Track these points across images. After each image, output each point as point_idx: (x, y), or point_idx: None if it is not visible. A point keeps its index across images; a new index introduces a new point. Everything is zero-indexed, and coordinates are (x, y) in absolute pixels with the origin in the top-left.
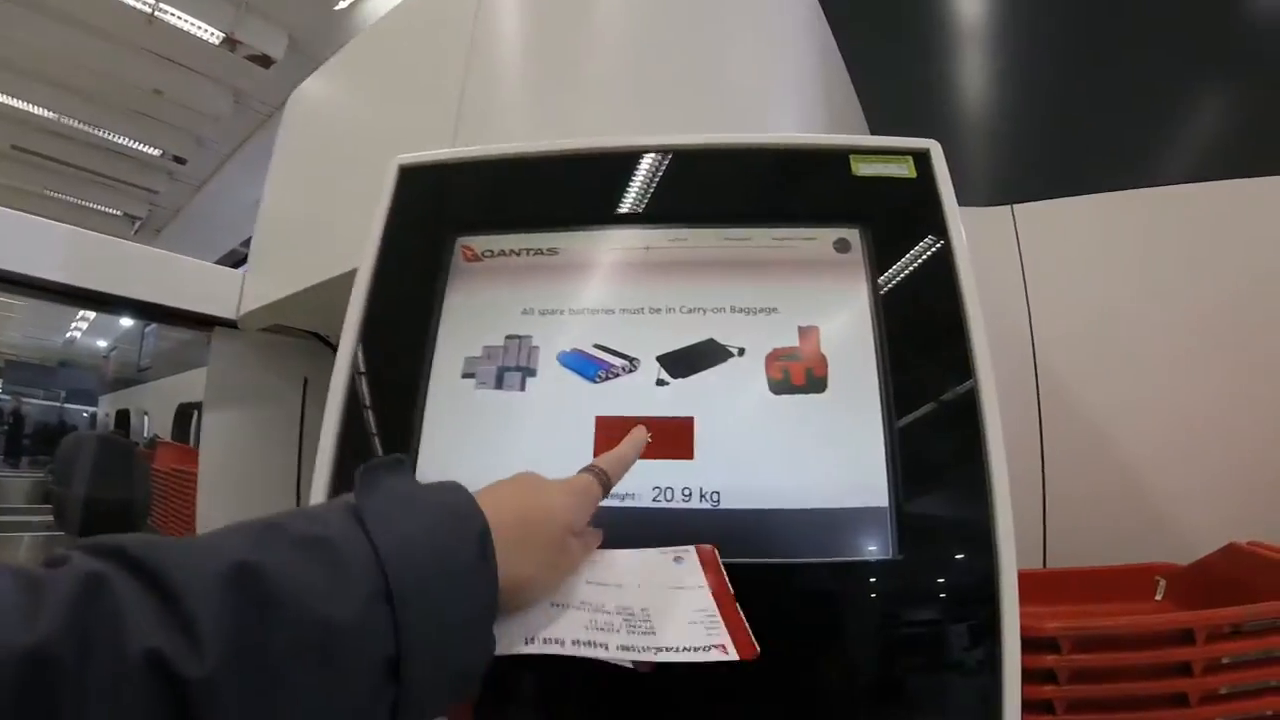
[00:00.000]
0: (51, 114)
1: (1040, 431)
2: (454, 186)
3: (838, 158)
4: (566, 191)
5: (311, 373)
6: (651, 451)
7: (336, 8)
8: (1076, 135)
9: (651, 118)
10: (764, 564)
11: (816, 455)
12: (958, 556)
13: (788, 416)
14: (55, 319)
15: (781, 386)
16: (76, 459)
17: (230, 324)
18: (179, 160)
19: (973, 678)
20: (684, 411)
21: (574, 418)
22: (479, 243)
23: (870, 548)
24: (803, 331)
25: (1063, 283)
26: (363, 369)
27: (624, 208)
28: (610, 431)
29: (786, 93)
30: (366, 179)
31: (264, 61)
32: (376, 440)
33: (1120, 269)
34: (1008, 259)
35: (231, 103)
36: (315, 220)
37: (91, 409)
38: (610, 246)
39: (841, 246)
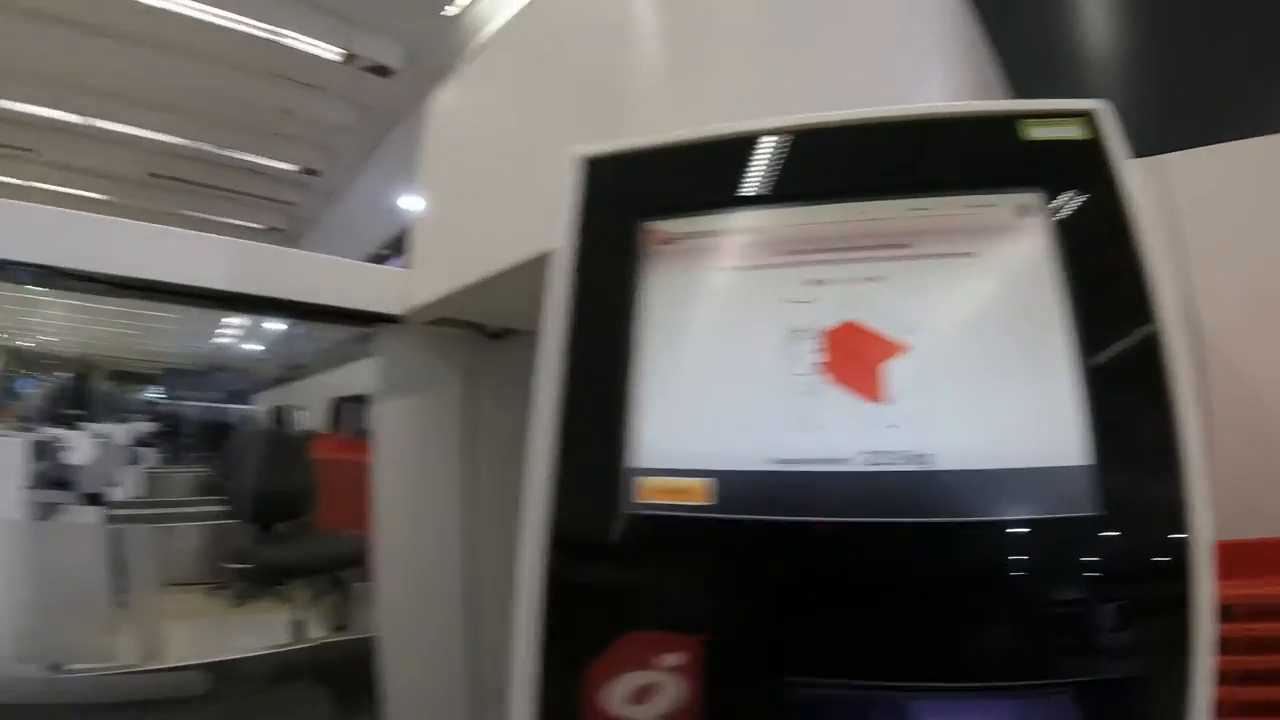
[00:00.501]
0: (185, 141)
1: (1203, 398)
2: (637, 173)
3: (1010, 123)
4: (749, 171)
5: (473, 361)
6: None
7: (445, 13)
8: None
9: (798, 94)
10: (971, 523)
11: (1013, 413)
12: (1154, 515)
13: (988, 373)
14: (205, 326)
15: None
16: (249, 452)
17: (395, 320)
18: (311, 172)
19: (1163, 643)
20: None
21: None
22: (668, 227)
23: (1072, 507)
24: (992, 290)
25: (1222, 233)
26: (569, 356)
27: (805, 184)
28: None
29: (933, 60)
30: (518, 175)
31: (382, 72)
32: (590, 418)
33: None
34: (1162, 211)
35: (356, 114)
36: (473, 218)
37: (247, 408)
38: (798, 221)
39: (1022, 211)
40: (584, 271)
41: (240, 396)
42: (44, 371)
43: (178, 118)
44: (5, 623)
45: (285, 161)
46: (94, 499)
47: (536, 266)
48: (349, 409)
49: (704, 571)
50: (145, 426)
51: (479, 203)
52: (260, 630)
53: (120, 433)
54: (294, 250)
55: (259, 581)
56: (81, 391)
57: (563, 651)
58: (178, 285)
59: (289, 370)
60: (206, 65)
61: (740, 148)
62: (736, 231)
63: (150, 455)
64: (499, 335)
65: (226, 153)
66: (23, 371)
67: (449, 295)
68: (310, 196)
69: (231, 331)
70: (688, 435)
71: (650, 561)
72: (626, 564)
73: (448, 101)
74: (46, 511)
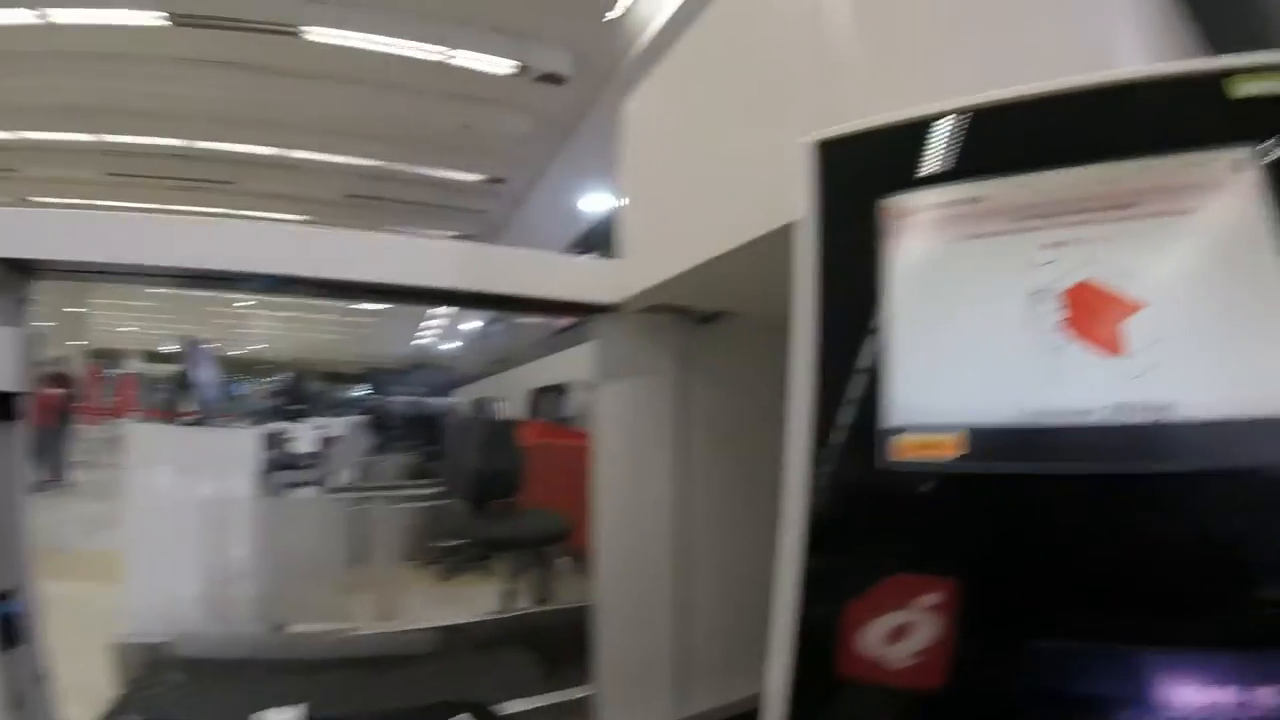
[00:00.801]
0: (378, 163)
1: None
2: (870, 153)
3: (1219, 80)
4: (978, 143)
5: (684, 344)
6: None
7: (607, 19)
8: None
9: (992, 67)
10: (1215, 471)
11: (1252, 362)
12: None
13: (1222, 323)
14: (406, 328)
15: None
16: (466, 437)
17: (610, 309)
18: (497, 181)
19: None
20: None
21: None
22: (905, 201)
23: None
24: (1214, 244)
25: None
26: (822, 327)
27: (1030, 152)
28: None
29: (1127, 22)
30: (722, 167)
31: (554, 80)
32: (845, 383)
33: None
34: None
35: (534, 122)
36: (681, 210)
37: (448, 400)
38: (1028, 188)
39: (1236, 166)
40: (829, 249)
41: (440, 391)
42: (256, 376)
43: (368, 142)
44: (248, 588)
45: (471, 173)
46: (318, 482)
47: (745, 252)
48: (546, 398)
49: (957, 519)
50: (356, 419)
51: (686, 195)
52: (471, 601)
53: (336, 425)
54: (516, 249)
55: (473, 556)
56: (299, 390)
57: (823, 595)
58: (414, 287)
59: (486, 366)
60: (390, 93)
61: (968, 121)
62: (970, 201)
63: (362, 444)
64: (708, 319)
65: (416, 169)
66: (238, 376)
67: (661, 283)
68: (498, 203)
69: (430, 332)
70: (939, 394)
71: (908, 511)
72: (886, 514)
73: (642, 102)
74: (279, 492)
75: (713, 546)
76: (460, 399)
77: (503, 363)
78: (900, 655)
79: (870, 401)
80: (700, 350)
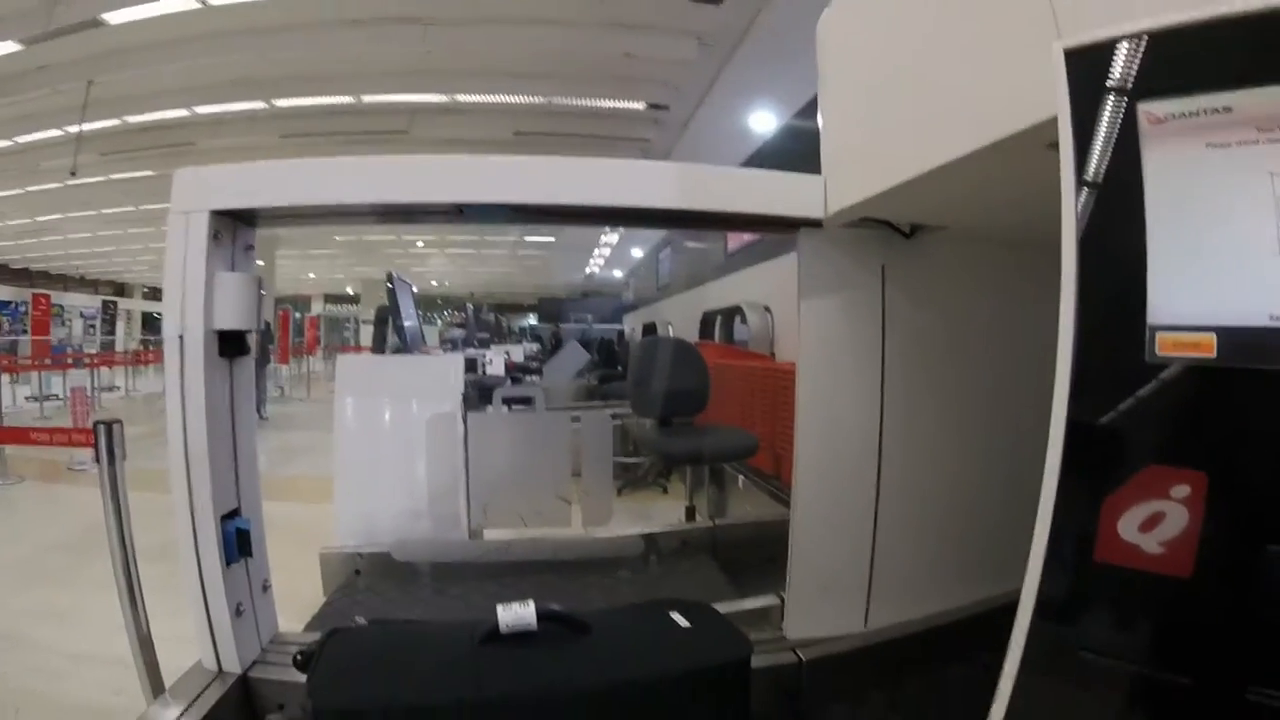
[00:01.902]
0: (542, 99)
1: None
2: (1125, 60)
3: None
4: (1235, 52)
5: (888, 258)
6: None
7: None
8: None
9: None
10: None
11: None
12: None
13: None
14: (577, 260)
15: None
16: (652, 358)
17: (816, 224)
18: (660, 108)
19: None
20: None
21: None
22: (1161, 108)
23: None
24: None
25: None
26: (1086, 231)
27: None
28: None
29: None
30: (932, 82)
31: (713, 0)
32: (1110, 283)
33: None
34: None
35: (695, 45)
36: (887, 126)
37: (618, 327)
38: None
39: None
40: (1088, 156)
41: (612, 317)
42: (438, 310)
43: (533, 80)
44: (458, 499)
45: (635, 101)
46: (512, 402)
47: (961, 165)
48: (718, 321)
49: (1212, 415)
50: (534, 347)
51: (895, 108)
52: (648, 517)
53: (517, 352)
54: (724, 167)
55: (651, 473)
56: (480, 320)
57: (1085, 482)
58: (624, 208)
59: (658, 290)
60: (550, 29)
61: (1226, 29)
62: (1221, 111)
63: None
64: (911, 233)
65: (581, 102)
66: (423, 313)
67: (869, 199)
68: (662, 131)
69: (598, 262)
70: (1194, 297)
71: (1166, 405)
72: (1145, 407)
73: (838, 18)
74: (483, 410)
75: (911, 465)
76: (631, 324)
77: (670, 288)
78: (1152, 543)
79: (1132, 300)
80: (904, 264)
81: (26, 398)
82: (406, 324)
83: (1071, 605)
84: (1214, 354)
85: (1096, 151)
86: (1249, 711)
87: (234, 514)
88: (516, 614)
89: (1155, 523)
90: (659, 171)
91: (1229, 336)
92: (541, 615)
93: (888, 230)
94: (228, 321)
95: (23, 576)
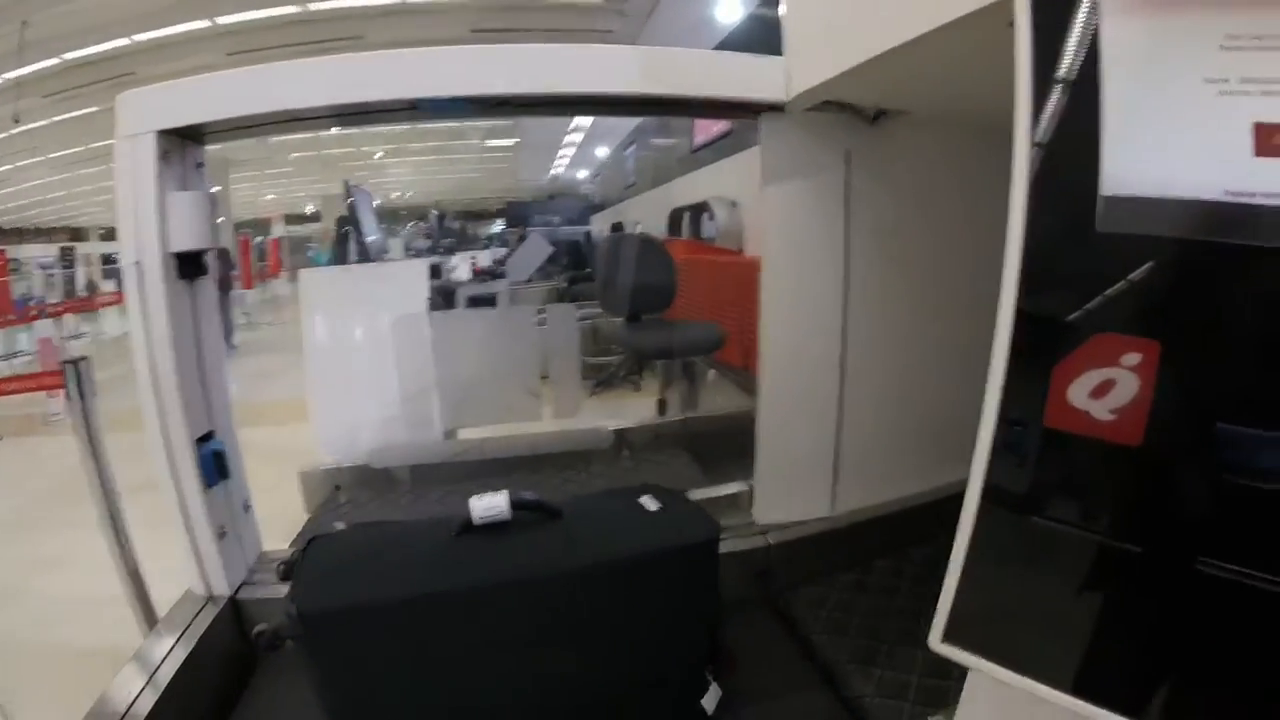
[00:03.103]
0: None
1: None
2: None
3: None
4: None
5: (852, 144)
6: None
7: None
8: None
9: None
10: None
11: None
12: None
13: None
14: (542, 161)
15: None
16: (619, 255)
17: (778, 108)
18: None
19: None
20: None
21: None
22: None
23: None
24: None
25: None
26: (1038, 97)
27: None
28: None
29: None
30: None
31: None
32: (1063, 151)
33: None
34: None
35: None
36: (847, 6)
37: (585, 228)
38: None
39: None
40: (1044, 30)
41: (579, 219)
42: (401, 222)
43: None
44: (433, 399)
45: None
46: (478, 302)
47: (922, 44)
48: (686, 217)
49: (1164, 285)
50: (500, 252)
51: None
52: (621, 413)
53: (484, 257)
54: (683, 49)
55: (623, 371)
56: (445, 228)
57: (1034, 352)
58: (587, 95)
59: (625, 189)
60: None
61: None
62: None
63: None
64: (876, 118)
65: None
66: (386, 225)
67: (831, 79)
68: (625, 23)
69: (563, 163)
70: (1148, 168)
71: (1118, 273)
72: (1097, 276)
73: None
74: (449, 312)
75: (875, 352)
76: (599, 225)
77: (637, 187)
78: (1102, 410)
79: (1084, 173)
80: (868, 151)
81: None
82: (367, 234)
83: (1021, 470)
84: (1171, 223)
85: (1052, 25)
86: (1197, 580)
87: (208, 437)
88: (489, 504)
89: (1106, 390)
90: (616, 56)
91: (1184, 209)
92: (514, 504)
93: (852, 115)
94: (184, 243)
95: (10, 529)
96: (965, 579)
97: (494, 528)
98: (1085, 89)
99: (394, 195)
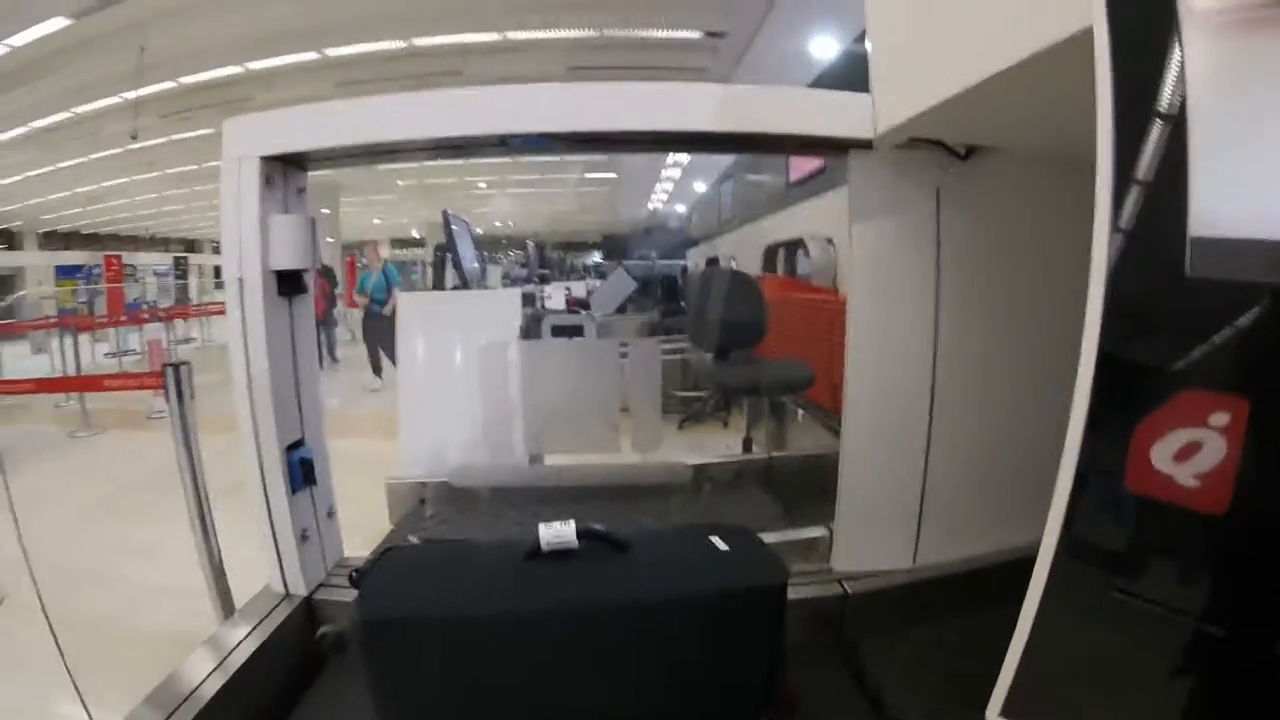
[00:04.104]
0: (594, 32)
1: None
2: None
3: None
4: None
5: (943, 181)
6: None
7: None
8: None
9: None
10: None
11: None
12: None
13: None
14: (639, 196)
15: None
16: (709, 289)
17: (866, 145)
18: (717, 35)
19: None
20: None
21: None
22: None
23: None
24: None
25: None
26: (1122, 133)
27: None
28: None
29: None
30: None
31: None
32: (1149, 190)
33: None
34: None
35: None
36: (937, 35)
37: (681, 262)
38: None
39: None
40: (1123, 52)
41: (675, 252)
42: (502, 250)
43: (585, 12)
44: (516, 424)
45: (690, 30)
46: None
47: (1007, 79)
48: (781, 254)
49: (1258, 338)
50: (595, 283)
51: (942, 18)
52: (705, 448)
53: (579, 288)
54: (768, 86)
55: (711, 406)
56: (543, 258)
57: (1115, 409)
58: (671, 132)
59: (721, 224)
60: None
61: None
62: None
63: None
64: (967, 155)
65: (634, 33)
66: (486, 253)
67: (918, 115)
68: (719, 59)
69: (661, 197)
70: (1244, 206)
71: (1207, 325)
72: (1185, 327)
73: None
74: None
75: (965, 398)
76: (695, 259)
77: (733, 222)
78: (1186, 475)
79: (1175, 210)
80: (959, 188)
81: (106, 354)
82: (465, 261)
83: (1097, 536)
84: (1261, 269)
85: (1135, 53)
86: None
87: (298, 444)
88: (557, 532)
89: (1191, 453)
90: (699, 93)
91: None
92: (581, 533)
93: (942, 152)
94: (284, 262)
95: (104, 515)
96: (1031, 648)
97: (561, 555)
98: (1171, 121)
99: (496, 225)
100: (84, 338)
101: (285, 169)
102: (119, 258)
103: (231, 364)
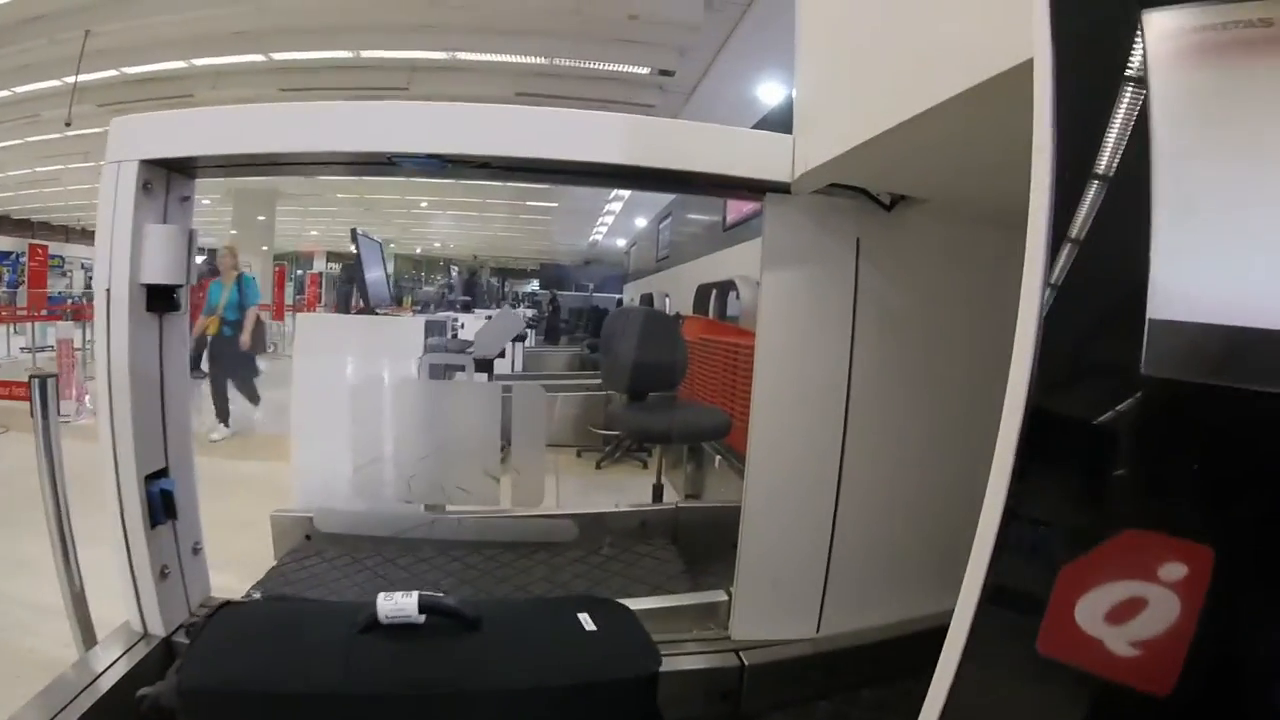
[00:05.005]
0: (545, 60)
1: None
2: None
3: None
4: None
5: (863, 230)
6: None
7: None
8: None
9: None
10: None
11: None
12: None
13: None
14: (581, 226)
15: None
16: (627, 328)
17: (783, 189)
18: (666, 73)
19: None
20: None
21: None
22: (1171, 19)
23: None
24: None
25: None
26: (1061, 183)
27: None
28: None
29: None
30: (907, 25)
31: None
32: (1095, 257)
33: None
34: None
35: (703, 8)
36: (860, 76)
37: (616, 295)
38: None
39: None
40: (1071, 80)
41: (608, 286)
42: (435, 272)
43: (536, 39)
44: (400, 467)
45: (639, 65)
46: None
47: (924, 123)
48: (712, 295)
49: (1235, 463)
50: (526, 312)
51: (871, 57)
52: (619, 490)
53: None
54: (683, 121)
55: (628, 447)
56: (470, 284)
57: (1034, 544)
58: (577, 163)
59: (657, 262)
60: None
61: None
62: (1258, 24)
63: (529, 335)
64: (891, 205)
65: (583, 64)
66: (414, 273)
67: (840, 157)
68: (668, 97)
69: (601, 230)
70: (1221, 281)
71: (1167, 441)
72: (1136, 442)
73: None
74: (443, 376)
75: (877, 460)
76: (630, 294)
77: (669, 260)
78: (1120, 642)
79: (1129, 282)
80: (882, 239)
81: (22, 348)
82: (371, 284)
83: (995, 714)
84: (1245, 369)
85: (1082, 90)
86: None
87: (160, 474)
88: (397, 604)
89: (1130, 612)
90: (607, 124)
91: (1272, 346)
92: (425, 607)
93: (865, 200)
94: (156, 275)
95: None
96: None
97: (402, 629)
98: (1129, 169)
99: (435, 245)
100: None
101: (169, 175)
102: (45, 248)
103: (98, 382)
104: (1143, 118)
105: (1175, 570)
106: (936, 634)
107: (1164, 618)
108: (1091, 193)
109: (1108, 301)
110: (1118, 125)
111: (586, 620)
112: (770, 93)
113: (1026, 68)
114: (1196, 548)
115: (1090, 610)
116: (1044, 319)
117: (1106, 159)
